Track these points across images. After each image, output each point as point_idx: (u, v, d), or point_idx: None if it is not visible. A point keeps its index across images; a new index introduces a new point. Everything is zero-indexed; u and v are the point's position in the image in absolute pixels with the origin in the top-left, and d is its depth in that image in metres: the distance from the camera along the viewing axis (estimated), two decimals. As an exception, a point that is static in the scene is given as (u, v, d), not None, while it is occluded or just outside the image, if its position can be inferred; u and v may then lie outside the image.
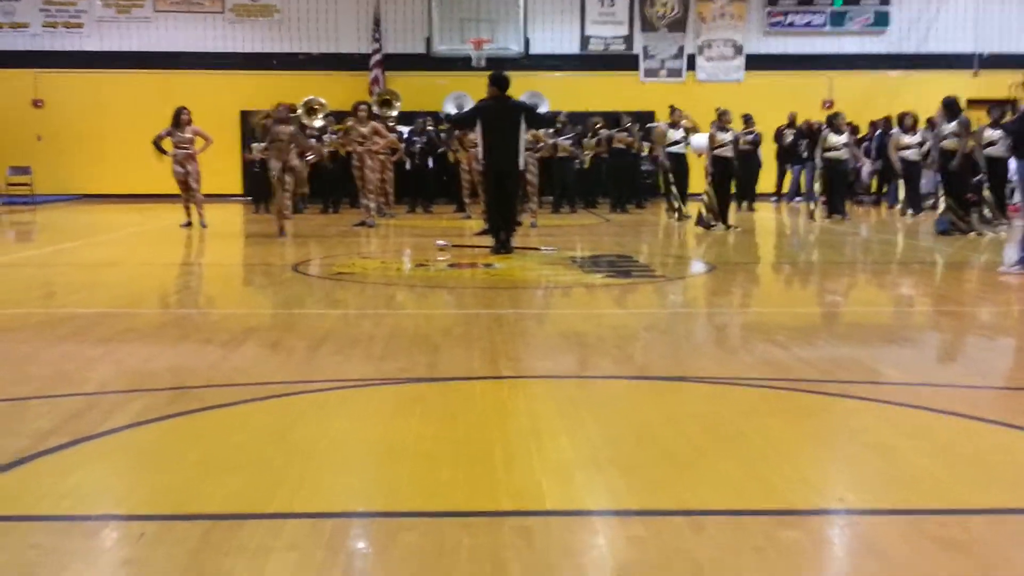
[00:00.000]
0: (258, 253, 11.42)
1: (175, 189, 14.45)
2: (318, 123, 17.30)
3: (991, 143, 14.00)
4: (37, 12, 22.43)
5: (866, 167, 18.62)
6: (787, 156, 20.42)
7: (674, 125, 16.04)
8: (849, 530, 2.98)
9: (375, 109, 17.43)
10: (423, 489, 3.23)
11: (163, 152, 14.02)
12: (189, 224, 14.07)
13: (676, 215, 15.45)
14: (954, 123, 13.04)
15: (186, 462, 3.51)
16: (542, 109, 18.40)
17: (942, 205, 13.40)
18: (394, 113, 18.29)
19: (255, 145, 17.93)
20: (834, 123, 15.64)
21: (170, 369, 5.06)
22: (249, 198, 19.76)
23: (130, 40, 22.56)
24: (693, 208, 15.76)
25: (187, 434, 3.92)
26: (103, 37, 22.51)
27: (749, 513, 3.03)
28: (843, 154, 15.59)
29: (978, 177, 14.16)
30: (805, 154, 20.04)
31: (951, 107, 13.21)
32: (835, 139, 15.44)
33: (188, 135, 14.07)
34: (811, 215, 15.54)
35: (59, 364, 5.11)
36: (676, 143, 15.90)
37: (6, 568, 2.60)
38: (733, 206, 14.98)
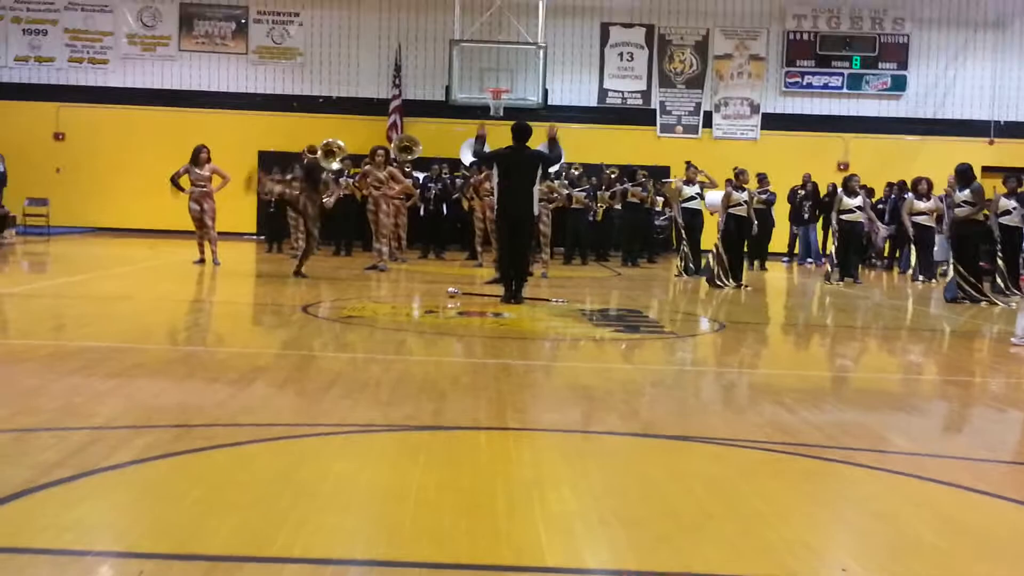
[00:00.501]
0: (269, 293, 11.47)
1: (190, 225, 14.55)
2: (335, 166, 17.43)
3: (1006, 212, 14.02)
4: (63, 47, 22.78)
5: (881, 232, 18.64)
6: (796, 217, 20.51)
7: (689, 181, 16.13)
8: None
9: (393, 154, 17.58)
10: (424, 537, 3.22)
11: (180, 189, 14.15)
12: (202, 261, 14.15)
13: (684, 272, 15.47)
14: (967, 191, 13.06)
15: (189, 500, 3.51)
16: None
17: (951, 272, 13.37)
18: (412, 158, 18.43)
19: (267, 179, 18.10)
20: (848, 185, 15.68)
21: (177, 406, 5.07)
22: (262, 237, 19.88)
23: (153, 77, 22.88)
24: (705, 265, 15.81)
25: (191, 472, 3.92)
26: (127, 73, 22.83)
27: (750, 577, 3.01)
28: (857, 217, 15.61)
29: (992, 246, 14.16)
30: (807, 215, 20.14)
31: (964, 174, 13.24)
32: (849, 201, 15.47)
33: (206, 173, 14.20)
34: (828, 277, 15.52)
35: (67, 397, 5.12)
36: (691, 199, 15.98)
37: (4, 601, 2.60)
38: (745, 265, 14.98)
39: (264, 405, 5.23)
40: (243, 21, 22.93)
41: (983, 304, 12.42)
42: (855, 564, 3.19)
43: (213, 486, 3.71)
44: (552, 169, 13.72)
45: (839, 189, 16.32)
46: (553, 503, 3.62)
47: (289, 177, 15.29)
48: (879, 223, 18.29)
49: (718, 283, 13.77)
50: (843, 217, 15.47)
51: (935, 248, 16.31)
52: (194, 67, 22.95)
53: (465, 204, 17.65)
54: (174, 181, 14.16)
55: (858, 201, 15.59)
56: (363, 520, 3.43)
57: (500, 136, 12.02)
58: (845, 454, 4.58)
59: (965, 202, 13.03)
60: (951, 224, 13.53)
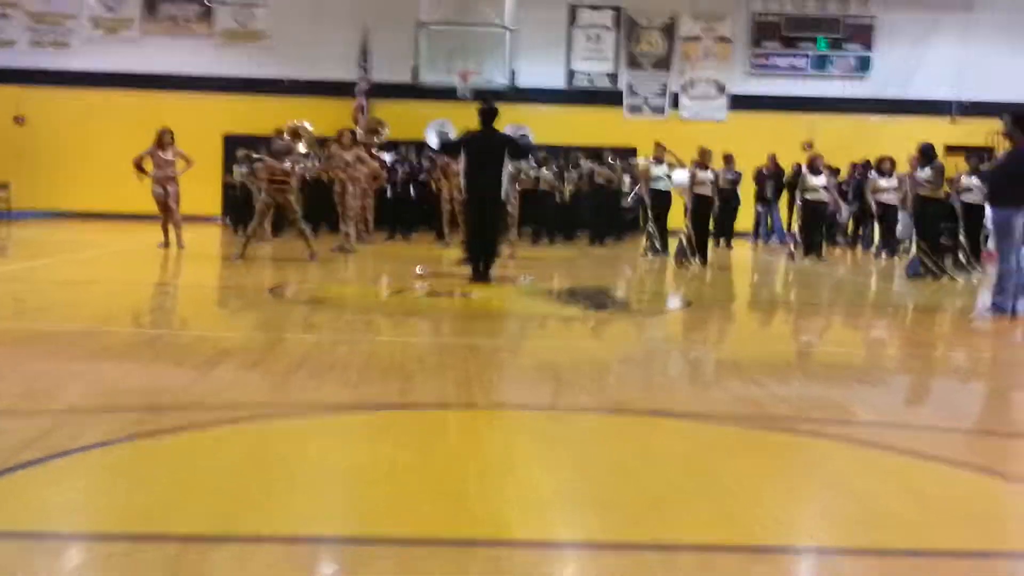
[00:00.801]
0: (235, 275, 11.39)
1: (154, 209, 14.42)
2: (302, 148, 17.30)
3: (968, 189, 14.20)
4: (24, 31, 22.44)
5: (844, 211, 18.81)
6: (761, 197, 20.67)
7: (658, 161, 16.12)
8: (820, 568, 2.99)
9: (362, 136, 17.49)
10: (395, 515, 3.22)
11: (144, 172, 14.02)
12: (167, 244, 14.03)
13: (650, 251, 15.53)
14: (928, 169, 13.21)
15: (157, 483, 3.48)
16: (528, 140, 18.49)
17: (914, 249, 13.55)
18: (380, 140, 18.33)
19: (237, 168, 17.97)
20: (812, 165, 15.81)
21: (144, 389, 5.03)
22: (227, 220, 19.74)
23: (116, 60, 22.60)
24: (672, 245, 15.89)
25: (159, 455, 3.89)
26: (90, 57, 22.54)
27: (720, 549, 3.04)
28: (821, 196, 15.74)
29: (953, 223, 14.34)
30: (770, 195, 20.30)
31: (926, 153, 13.39)
32: (813, 181, 15.59)
33: (170, 156, 14.08)
34: (791, 255, 15.65)
35: (30, 381, 5.07)
36: (659, 179, 15.98)
37: (-30, 585, 2.58)
38: (711, 243, 15.08)
39: (232, 387, 5.20)
40: (208, 3, 22.68)
41: (944, 280, 12.58)
42: (824, 534, 3.23)
43: (182, 468, 3.69)
44: (523, 158, 13.78)
45: (804, 168, 16.45)
46: (523, 480, 3.64)
47: (256, 166, 15.17)
48: (842, 202, 18.46)
49: (685, 262, 13.85)
50: (807, 196, 15.60)
51: (898, 226, 16.49)
52: (158, 50, 22.69)
53: (432, 185, 17.61)
54: (137, 164, 14.02)
55: (822, 180, 15.73)
56: (334, 499, 3.43)
57: (467, 118, 11.99)
58: (812, 426, 4.62)
59: (927, 180, 13.19)
60: (913, 201, 13.70)
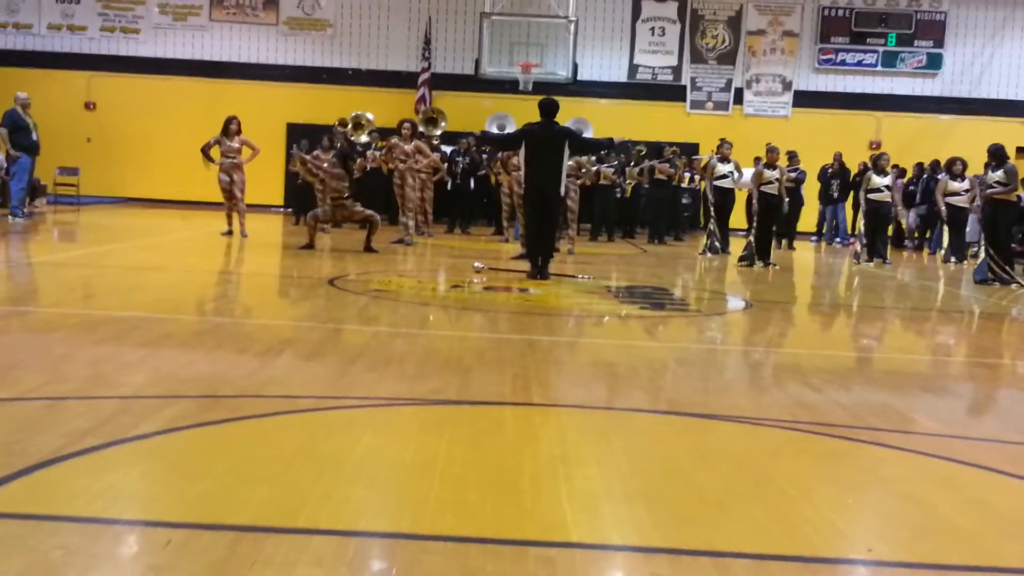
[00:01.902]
0: (296, 265, 11.51)
1: (219, 197, 14.62)
2: (363, 139, 17.43)
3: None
4: (95, 16, 22.85)
5: (907, 215, 18.45)
6: (825, 196, 20.36)
7: (723, 158, 15.89)
8: (876, 581, 2.95)
9: (420, 127, 17.55)
10: (449, 512, 3.23)
11: (210, 160, 14.22)
12: (230, 233, 14.21)
13: (710, 250, 15.39)
14: (1000, 171, 12.91)
15: (216, 471, 3.53)
16: (587, 135, 18.43)
17: (983, 254, 13.26)
18: (439, 132, 18.38)
19: (295, 152, 18.13)
20: (878, 164, 15.53)
21: (205, 377, 5.11)
22: (290, 209, 19.94)
23: (184, 47, 22.92)
24: (734, 243, 15.73)
25: (218, 443, 3.95)
26: (158, 43, 22.89)
27: (775, 558, 3.00)
28: (885, 196, 15.46)
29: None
30: (836, 194, 19.97)
31: (997, 154, 13.09)
32: (878, 180, 15.31)
33: (236, 144, 14.25)
34: (856, 257, 15.40)
35: (96, 366, 5.17)
36: (724, 176, 15.74)
37: (30, 568, 2.63)
38: (773, 244, 14.89)
39: (290, 377, 5.26)
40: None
41: (1013, 287, 12.30)
42: (882, 545, 3.17)
43: (240, 457, 3.74)
44: (585, 154, 13.75)
45: (868, 168, 16.17)
46: (578, 480, 3.62)
47: (315, 155, 15.28)
48: (900, 206, 18.08)
49: (751, 262, 13.69)
50: (870, 196, 15.33)
51: (967, 229, 16.15)
52: (224, 37, 22.97)
53: (493, 179, 17.61)
54: (204, 152, 14.22)
55: (887, 180, 15.43)
56: (388, 494, 3.45)
57: (528, 111, 11.98)
58: (872, 435, 4.55)
59: (998, 182, 12.88)
60: (983, 205, 13.39)
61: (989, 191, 13.06)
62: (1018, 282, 12.54)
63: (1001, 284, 12.38)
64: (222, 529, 2.97)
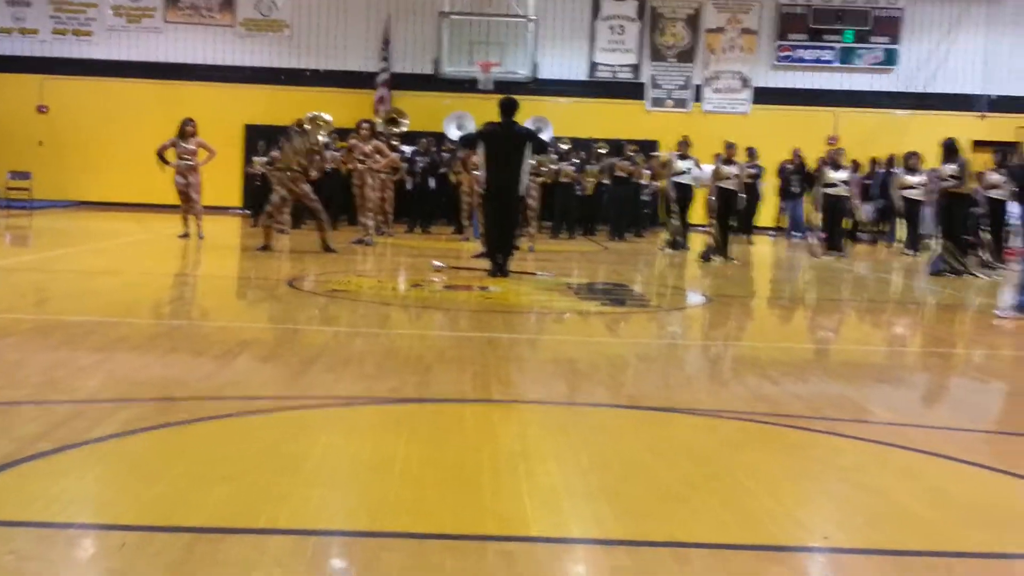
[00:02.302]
0: (254, 266, 11.42)
1: (175, 199, 14.47)
2: (321, 139, 17.33)
3: (994, 186, 14.07)
4: (47, 19, 22.52)
5: (867, 208, 18.63)
6: (785, 191, 20.53)
7: (683, 156, 15.92)
8: (833, 568, 2.97)
9: (381, 128, 17.49)
10: (408, 509, 3.22)
11: (166, 162, 14.05)
12: (187, 235, 14.07)
13: (670, 246, 15.46)
14: (954, 165, 13.09)
15: (172, 473, 3.49)
16: (546, 134, 18.46)
17: (938, 246, 13.41)
18: (400, 131, 18.32)
19: (257, 159, 18.00)
20: (834, 159, 15.67)
21: (161, 380, 5.05)
22: (248, 211, 19.79)
23: (139, 50, 22.64)
24: (693, 239, 15.81)
25: (174, 445, 3.90)
26: (112, 46, 22.59)
27: (734, 547, 3.02)
28: (842, 190, 15.58)
29: (978, 219, 14.23)
30: (796, 189, 20.16)
31: (950, 148, 13.27)
32: (834, 175, 15.42)
33: (192, 147, 14.10)
34: (812, 251, 15.52)
35: (50, 371, 5.10)
36: (683, 173, 15.77)
37: (-16, 573, 2.59)
38: (732, 239, 14.98)
39: (249, 379, 5.22)
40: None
41: (966, 277, 12.47)
42: (839, 533, 3.20)
43: (197, 459, 3.70)
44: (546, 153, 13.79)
45: (824, 162, 16.31)
46: (539, 475, 3.63)
47: (272, 155, 15.16)
48: (857, 200, 18.21)
49: (711, 258, 13.76)
50: (827, 191, 15.45)
51: (923, 222, 16.36)
52: (180, 39, 22.73)
53: (452, 178, 17.58)
54: (160, 155, 14.06)
55: (843, 175, 15.54)
56: (347, 492, 3.43)
57: (489, 111, 11.96)
58: (829, 425, 4.59)
59: (952, 176, 13.07)
60: (939, 198, 13.58)
61: (943, 184, 13.24)
62: (972, 273, 12.71)
63: (955, 275, 12.55)
64: (179, 531, 2.93)
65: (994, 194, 14.09)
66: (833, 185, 15.36)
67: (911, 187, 15.88)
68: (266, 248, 12.44)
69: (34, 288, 8.98)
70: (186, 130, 14.08)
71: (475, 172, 14.02)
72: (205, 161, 14.22)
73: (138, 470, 3.59)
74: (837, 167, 15.51)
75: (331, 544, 2.96)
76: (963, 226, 13.38)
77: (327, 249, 12.50)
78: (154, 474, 3.50)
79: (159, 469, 3.57)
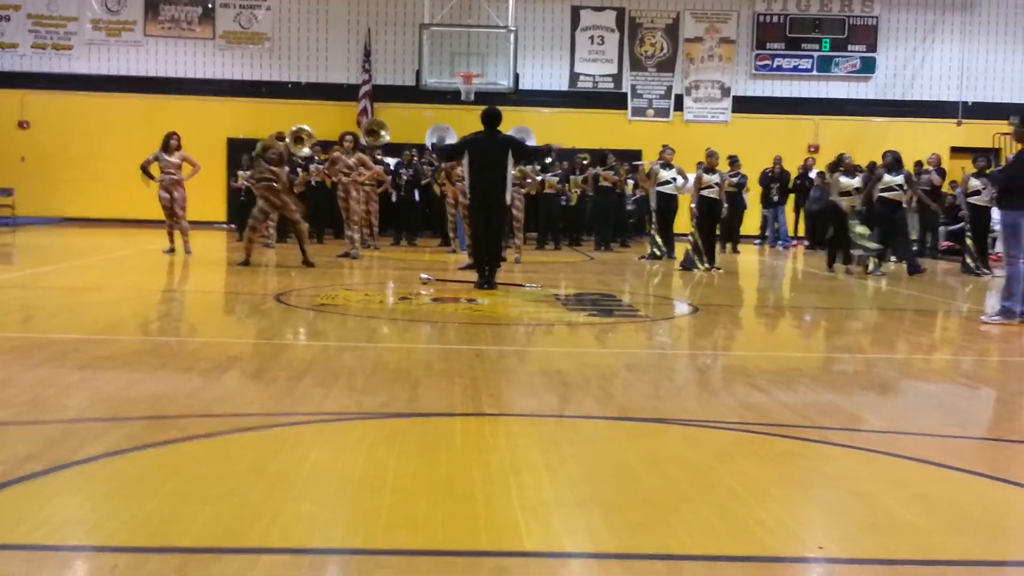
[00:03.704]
0: (241, 282, 11.38)
1: (160, 214, 14.41)
2: (304, 152, 17.32)
3: (975, 192, 14.17)
4: (27, 33, 22.46)
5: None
6: (767, 199, 20.64)
7: (665, 164, 15.94)
8: (827, 578, 2.98)
9: (363, 139, 17.46)
10: (401, 525, 3.21)
11: (150, 177, 14.00)
12: (172, 250, 14.02)
13: (653, 256, 15.49)
14: (899, 176, 13.73)
15: (163, 493, 3.47)
16: (529, 143, 18.47)
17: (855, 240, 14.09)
18: (380, 143, 18.30)
19: (241, 173, 17.95)
20: (846, 165, 14.43)
21: (149, 398, 5.03)
22: (233, 226, 19.74)
23: (120, 64, 22.61)
24: (678, 249, 15.85)
25: (165, 464, 3.88)
26: (92, 60, 22.55)
27: (727, 559, 3.02)
28: (898, 195, 14.32)
29: (960, 225, 14.34)
30: (776, 198, 20.25)
31: (897, 162, 14.06)
32: (848, 181, 14.17)
33: (176, 160, 14.05)
34: (866, 268, 14.23)
35: (37, 390, 5.06)
36: (666, 183, 15.81)
37: (-25, 598, 2.57)
38: (717, 248, 14.99)
39: (237, 395, 5.20)
40: (209, 5, 22.69)
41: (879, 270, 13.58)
42: (831, 543, 3.21)
43: (187, 478, 3.68)
44: (528, 161, 13.77)
45: (876, 167, 14.83)
46: (530, 488, 3.62)
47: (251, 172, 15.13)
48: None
49: (696, 267, 13.78)
50: (883, 195, 14.05)
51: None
52: (160, 53, 22.70)
53: (437, 190, 17.58)
54: (144, 169, 14.00)
55: (857, 181, 14.20)
56: (339, 509, 3.42)
57: (471, 122, 11.98)
58: (820, 434, 4.61)
59: (899, 186, 13.64)
60: (881, 206, 14.10)
61: (885, 193, 13.87)
62: (919, 270, 13.75)
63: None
64: (170, 552, 2.92)
65: (976, 200, 14.19)
66: (848, 194, 14.11)
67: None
68: (246, 263, 12.40)
69: (19, 305, 8.92)
70: (170, 144, 14.04)
71: (459, 183, 14.03)
72: (190, 175, 14.17)
73: (129, 490, 3.56)
74: (851, 173, 14.34)
75: (324, 562, 2.94)
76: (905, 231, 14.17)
77: (306, 263, 12.47)
78: (145, 494, 3.48)
79: (150, 488, 3.55)
